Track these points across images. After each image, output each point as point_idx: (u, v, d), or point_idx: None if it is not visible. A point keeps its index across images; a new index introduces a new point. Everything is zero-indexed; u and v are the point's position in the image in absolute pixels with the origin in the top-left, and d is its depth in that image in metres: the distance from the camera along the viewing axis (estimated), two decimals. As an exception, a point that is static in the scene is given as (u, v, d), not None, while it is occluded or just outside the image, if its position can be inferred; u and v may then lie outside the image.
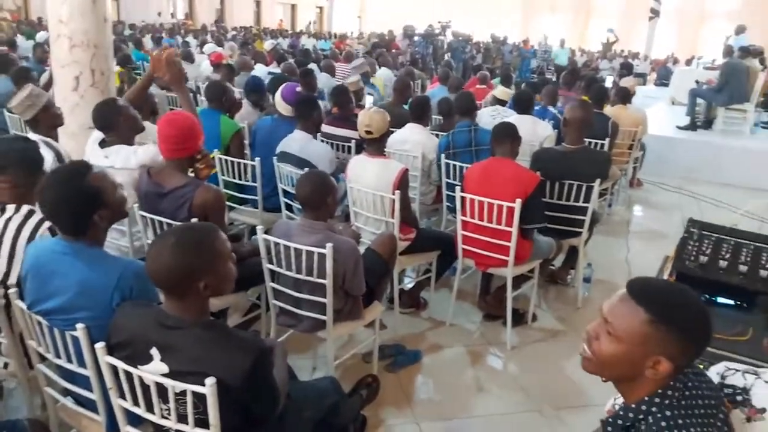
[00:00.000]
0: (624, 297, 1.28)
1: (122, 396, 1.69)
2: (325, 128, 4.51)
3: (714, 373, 1.48)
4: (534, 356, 3.36)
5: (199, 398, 1.53)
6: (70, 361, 1.85)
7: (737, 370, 1.46)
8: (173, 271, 1.54)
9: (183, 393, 1.55)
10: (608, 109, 5.68)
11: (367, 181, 3.31)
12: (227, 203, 3.73)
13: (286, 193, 3.81)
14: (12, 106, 3.16)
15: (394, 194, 3.17)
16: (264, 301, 3.02)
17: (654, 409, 1.26)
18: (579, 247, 3.82)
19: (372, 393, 2.82)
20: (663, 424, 1.23)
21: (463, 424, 2.80)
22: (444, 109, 5.02)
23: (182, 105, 3.16)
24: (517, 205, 3.09)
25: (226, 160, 3.83)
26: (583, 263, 3.96)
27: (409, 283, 3.94)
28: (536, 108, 5.63)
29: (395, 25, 19.30)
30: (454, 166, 4.01)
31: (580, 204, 3.60)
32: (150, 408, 1.65)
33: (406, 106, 4.97)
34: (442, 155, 4.11)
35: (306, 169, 3.30)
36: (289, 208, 3.86)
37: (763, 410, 1.37)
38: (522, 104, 5.00)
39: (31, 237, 2.13)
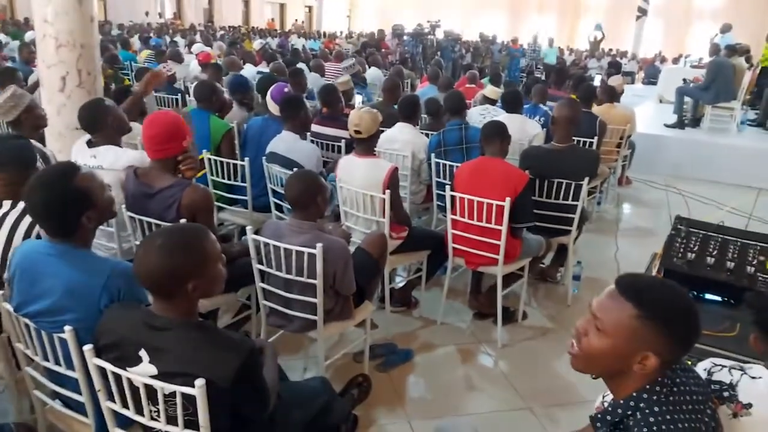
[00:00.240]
0: (613, 293, 1.29)
1: (111, 398, 1.68)
2: (315, 128, 4.51)
3: (701, 369, 1.49)
4: (524, 354, 3.37)
5: (189, 400, 1.52)
6: (58, 363, 1.84)
7: (724, 366, 1.48)
8: (161, 273, 1.53)
9: (172, 394, 1.54)
10: (596, 108, 5.71)
11: (357, 180, 3.30)
12: (217, 203, 3.73)
13: (275, 193, 3.80)
14: None
15: (384, 193, 3.17)
16: (254, 301, 3.02)
17: (642, 404, 1.27)
18: (568, 245, 3.84)
19: (363, 393, 2.82)
20: (651, 419, 1.24)
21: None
22: (431, 109, 5.03)
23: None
24: (507, 203, 3.10)
25: (215, 161, 3.81)
26: (573, 261, 3.98)
27: (399, 282, 3.94)
28: (527, 106, 5.66)
29: (384, 25, 19.30)
30: (444, 165, 4.01)
31: (570, 202, 3.61)
32: (139, 410, 1.64)
33: (396, 106, 4.97)
34: (432, 154, 4.12)
35: (294, 169, 3.29)
36: (278, 208, 3.85)
37: (750, 406, 1.39)
38: (511, 103, 5.01)
39: (27, 234, 2.13)
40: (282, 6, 29.83)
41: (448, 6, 25.22)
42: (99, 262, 1.85)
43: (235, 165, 3.79)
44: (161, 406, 1.58)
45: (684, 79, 9.58)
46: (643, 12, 20.21)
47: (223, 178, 3.82)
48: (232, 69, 7.41)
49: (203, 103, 4.13)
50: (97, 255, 1.94)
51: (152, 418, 1.64)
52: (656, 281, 1.40)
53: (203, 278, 1.58)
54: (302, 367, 3.07)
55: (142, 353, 1.56)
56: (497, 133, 3.38)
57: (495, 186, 3.19)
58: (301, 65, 7.99)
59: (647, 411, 1.25)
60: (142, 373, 1.56)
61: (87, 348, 1.62)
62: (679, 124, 8.21)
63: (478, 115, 5.27)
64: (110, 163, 2.85)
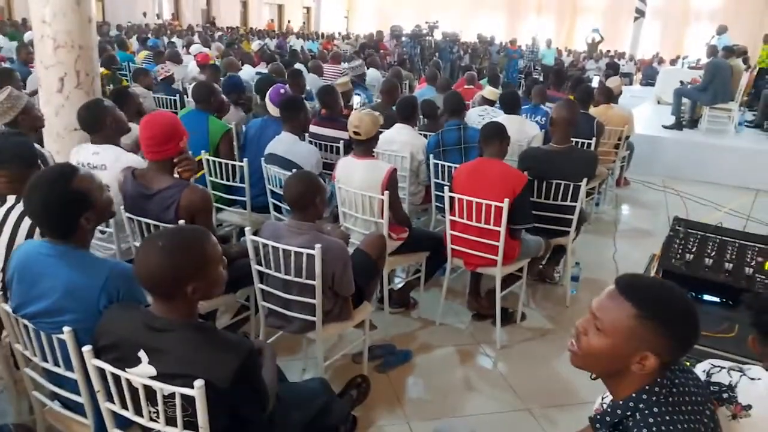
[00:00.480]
0: (612, 293, 1.29)
1: (110, 399, 1.68)
2: (313, 129, 4.50)
3: (700, 370, 1.49)
4: (523, 355, 3.37)
5: (188, 401, 1.52)
6: (57, 364, 1.83)
7: (723, 368, 1.48)
8: (162, 275, 1.53)
9: (171, 395, 1.54)
10: (593, 109, 5.72)
11: (355, 182, 3.30)
12: (215, 204, 3.72)
13: (273, 194, 3.80)
14: None
15: (382, 195, 3.17)
16: (253, 302, 3.01)
17: (642, 405, 1.27)
18: (567, 246, 3.85)
19: (362, 394, 2.82)
20: (650, 420, 1.24)
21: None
22: (427, 111, 5.02)
23: None
24: (505, 204, 3.10)
25: (213, 161, 3.81)
26: (571, 262, 3.98)
27: (398, 283, 3.94)
28: (528, 106, 5.67)
29: (383, 26, 19.31)
30: (443, 166, 4.02)
31: (568, 203, 3.62)
32: (138, 411, 1.64)
33: (394, 108, 4.97)
34: (431, 154, 4.12)
35: (293, 170, 3.29)
36: (277, 209, 3.85)
37: (749, 407, 1.39)
38: (509, 104, 5.02)
39: (30, 232, 2.13)
40: (280, 7, 29.81)
41: (446, 7, 25.23)
42: (98, 263, 1.84)
43: (233, 166, 3.79)
44: (160, 407, 1.58)
45: (681, 81, 9.60)
46: (640, 13, 20.24)
47: (222, 178, 3.82)
48: (231, 70, 7.40)
49: (202, 104, 4.12)
50: (96, 256, 1.94)
51: (151, 419, 1.64)
52: (656, 281, 1.40)
53: (204, 280, 1.58)
54: (301, 367, 3.07)
55: (142, 354, 1.56)
56: (496, 134, 3.38)
57: (494, 187, 3.20)
58: (299, 66, 7.99)
59: (646, 412, 1.26)
60: (142, 374, 1.56)
61: (86, 349, 1.62)
62: (677, 126, 8.23)
63: (476, 116, 5.27)
64: (111, 162, 2.86)
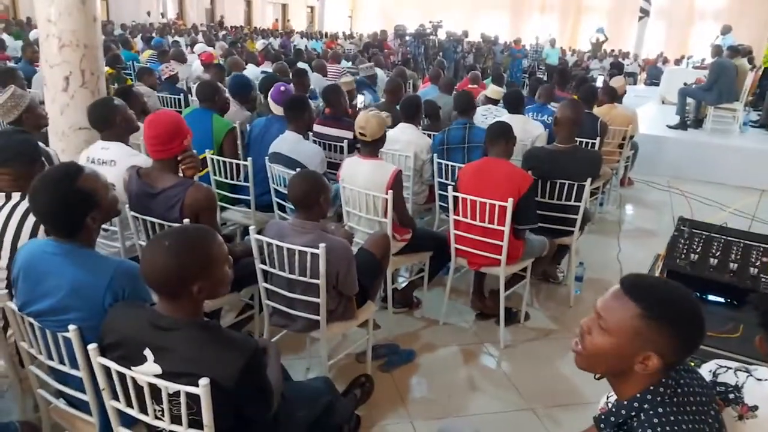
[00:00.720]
0: (617, 292, 1.29)
1: (115, 397, 1.69)
2: (317, 128, 4.50)
3: (706, 370, 1.49)
4: (527, 355, 3.37)
5: (193, 399, 1.52)
6: (62, 362, 1.84)
7: (729, 368, 1.47)
8: (168, 274, 1.53)
9: (176, 394, 1.54)
10: (597, 109, 5.71)
11: (360, 181, 3.30)
12: (219, 203, 3.73)
13: (278, 193, 3.81)
14: None
15: (387, 194, 3.17)
16: (257, 301, 3.02)
17: (646, 405, 1.27)
18: (571, 246, 3.84)
19: (366, 393, 2.82)
20: (655, 420, 1.23)
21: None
22: (428, 111, 5.01)
23: None
24: (509, 204, 3.10)
25: (218, 160, 3.82)
26: (575, 262, 3.98)
27: (402, 283, 3.94)
28: (534, 105, 5.66)
29: (386, 25, 19.30)
30: (447, 165, 4.01)
31: (572, 203, 3.61)
32: (143, 409, 1.65)
33: (398, 107, 4.97)
34: (435, 153, 4.12)
35: (297, 169, 3.29)
36: (281, 208, 3.86)
37: (756, 408, 1.38)
38: (513, 104, 5.01)
39: (34, 230, 2.14)
40: (284, 6, 29.83)
41: (450, 6, 25.21)
42: (103, 262, 1.85)
43: (237, 165, 3.79)
44: (165, 406, 1.58)
45: (685, 83, 9.58)
46: (645, 13, 20.17)
47: (226, 177, 3.83)
48: (235, 69, 7.42)
49: (206, 102, 4.14)
50: (101, 254, 1.94)
51: (156, 417, 1.64)
52: (660, 281, 1.40)
53: (209, 280, 1.58)
54: (305, 366, 3.07)
55: (147, 352, 1.56)
56: (502, 134, 3.37)
57: (499, 186, 3.19)
58: (302, 65, 7.99)
59: (651, 412, 1.25)
60: (147, 372, 1.57)
61: (91, 347, 1.63)
62: (682, 125, 8.20)
63: (480, 116, 5.26)
64: (120, 157, 2.88)
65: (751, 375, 1.43)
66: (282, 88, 4.27)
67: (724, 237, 2.59)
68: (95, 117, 2.99)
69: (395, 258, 3.38)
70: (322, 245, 2.38)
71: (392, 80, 5.88)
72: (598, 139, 4.94)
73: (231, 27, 22.43)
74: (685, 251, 2.52)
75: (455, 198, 3.34)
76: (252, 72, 7.74)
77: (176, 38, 14.64)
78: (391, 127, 4.24)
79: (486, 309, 3.67)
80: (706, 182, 6.86)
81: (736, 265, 2.40)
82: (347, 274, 2.54)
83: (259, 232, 2.60)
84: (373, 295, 3.03)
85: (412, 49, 15.30)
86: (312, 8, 29.99)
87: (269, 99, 4.24)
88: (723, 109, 8.18)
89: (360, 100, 6.14)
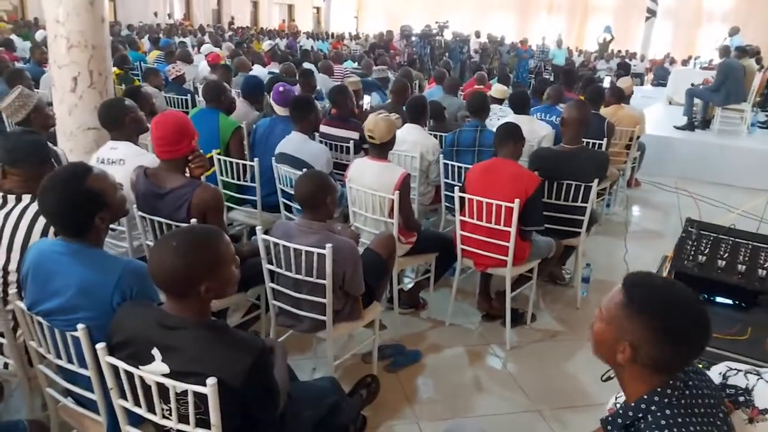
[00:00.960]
0: (619, 287, 1.35)
1: (123, 396, 1.69)
2: (323, 128, 4.51)
3: (716, 373, 1.48)
4: (533, 356, 3.36)
5: (200, 398, 1.53)
6: (70, 361, 1.85)
7: (739, 371, 1.46)
8: (175, 274, 1.54)
9: (184, 393, 1.55)
10: (604, 110, 5.69)
11: (367, 181, 3.30)
12: (226, 203, 3.74)
13: (284, 194, 3.81)
14: (2, 107, 3.15)
15: (393, 194, 3.17)
16: (263, 301, 3.02)
17: (654, 407, 1.26)
18: (578, 247, 3.83)
19: (372, 393, 2.82)
20: (663, 422, 1.23)
21: (462, 423, 2.80)
22: (433, 112, 4.99)
23: None
24: (516, 205, 3.09)
25: (224, 161, 3.83)
26: (582, 263, 3.97)
27: (408, 284, 3.94)
28: (542, 106, 5.64)
29: (392, 26, 19.30)
30: (454, 166, 4.01)
31: (579, 204, 3.60)
32: (151, 408, 1.65)
33: (404, 108, 4.96)
34: (441, 155, 4.12)
35: (303, 170, 3.30)
36: (287, 208, 3.86)
37: (766, 411, 1.37)
38: (518, 104, 5.00)
39: (45, 230, 2.15)
40: (290, 7, 29.87)
41: (456, 7, 25.16)
42: (111, 261, 1.86)
43: (244, 165, 3.80)
44: (173, 405, 1.59)
45: (692, 84, 9.53)
46: (652, 13, 20.10)
47: (233, 177, 3.84)
48: (242, 70, 7.43)
49: (213, 102, 4.16)
50: (110, 254, 1.95)
51: (164, 417, 1.65)
52: (658, 278, 1.39)
53: (216, 280, 1.58)
54: (311, 367, 3.08)
55: (155, 352, 1.57)
56: (511, 135, 3.37)
57: (506, 187, 3.19)
58: (308, 65, 8.00)
59: (659, 414, 1.25)
60: (155, 371, 1.57)
61: (100, 346, 1.63)
62: (689, 126, 8.17)
63: (485, 116, 5.24)
64: (129, 157, 2.90)
65: (762, 378, 1.42)
66: (281, 89, 4.26)
67: (733, 239, 2.57)
68: (106, 117, 3.02)
69: (401, 259, 3.38)
70: (328, 246, 2.39)
71: (398, 81, 5.88)
72: (605, 139, 4.93)
73: (237, 28, 22.49)
74: (692, 253, 2.51)
75: (461, 199, 3.34)
76: (258, 73, 7.74)
77: (183, 39, 14.69)
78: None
79: (492, 310, 3.66)
80: (713, 183, 6.82)
81: (744, 267, 2.38)
82: (354, 274, 2.55)
83: (265, 233, 2.61)
84: (379, 296, 3.04)
85: (418, 50, 15.30)
86: (318, 9, 30.02)
87: (270, 100, 4.25)
88: (731, 110, 8.13)
89: (367, 100, 6.14)
